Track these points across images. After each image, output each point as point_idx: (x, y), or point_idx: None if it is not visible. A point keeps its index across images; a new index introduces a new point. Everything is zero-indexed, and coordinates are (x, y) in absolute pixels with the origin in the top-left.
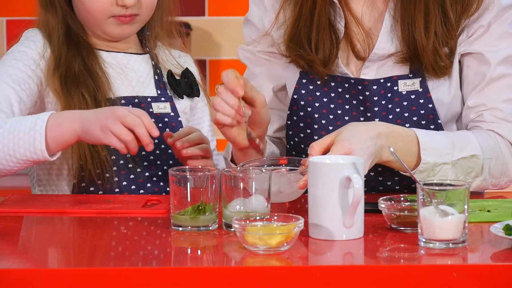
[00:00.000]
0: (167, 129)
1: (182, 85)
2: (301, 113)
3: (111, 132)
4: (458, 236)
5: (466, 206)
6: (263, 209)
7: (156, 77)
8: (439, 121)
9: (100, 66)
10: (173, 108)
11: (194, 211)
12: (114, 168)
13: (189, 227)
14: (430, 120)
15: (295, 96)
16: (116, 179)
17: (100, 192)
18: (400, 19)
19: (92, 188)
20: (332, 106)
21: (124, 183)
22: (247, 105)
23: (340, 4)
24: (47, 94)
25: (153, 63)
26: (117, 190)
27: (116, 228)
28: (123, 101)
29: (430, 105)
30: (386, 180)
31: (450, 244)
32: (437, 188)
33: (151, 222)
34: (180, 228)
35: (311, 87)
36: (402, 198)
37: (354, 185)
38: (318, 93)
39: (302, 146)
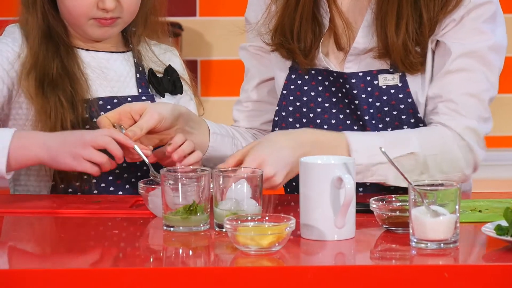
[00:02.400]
0: None
1: (164, 83)
2: (290, 108)
3: (83, 158)
4: (450, 236)
5: (457, 207)
6: (254, 210)
7: (138, 75)
8: (419, 115)
9: (79, 66)
10: None
11: (185, 211)
12: None
13: (181, 228)
14: (409, 114)
15: (284, 92)
16: (94, 180)
17: (78, 194)
18: (375, 15)
19: (70, 190)
20: (319, 99)
21: (103, 184)
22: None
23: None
24: (18, 96)
25: (135, 61)
26: (95, 192)
27: (107, 228)
28: (101, 102)
29: (410, 100)
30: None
31: (442, 244)
32: (428, 188)
33: (142, 222)
34: (172, 229)
35: (299, 82)
36: (393, 199)
37: (345, 185)
38: (306, 88)
39: None
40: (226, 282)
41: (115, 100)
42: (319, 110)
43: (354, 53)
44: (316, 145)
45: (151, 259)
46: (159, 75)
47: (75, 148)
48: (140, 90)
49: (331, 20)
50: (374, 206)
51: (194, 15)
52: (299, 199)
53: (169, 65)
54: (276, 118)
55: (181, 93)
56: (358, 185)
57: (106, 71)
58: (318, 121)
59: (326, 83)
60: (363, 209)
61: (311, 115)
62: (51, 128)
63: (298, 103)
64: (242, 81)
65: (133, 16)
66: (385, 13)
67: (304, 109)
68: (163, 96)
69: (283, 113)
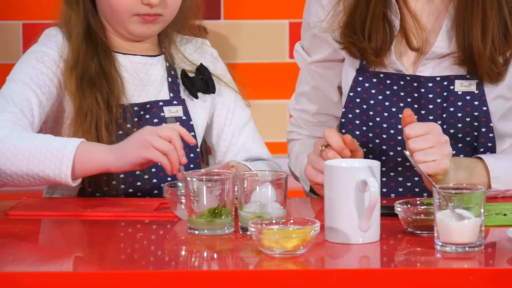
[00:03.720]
0: None
1: (197, 83)
2: (357, 111)
3: (152, 146)
4: (474, 239)
5: (482, 210)
6: (279, 213)
7: (170, 79)
8: (490, 124)
9: (116, 69)
10: (185, 111)
11: (210, 214)
12: (121, 175)
13: (205, 231)
14: (482, 122)
15: (351, 94)
16: (123, 186)
17: (110, 202)
18: (456, 23)
19: (98, 194)
20: (386, 104)
21: (130, 190)
22: None
23: (396, 1)
24: (65, 96)
25: (167, 65)
26: (123, 197)
27: (131, 231)
28: (136, 108)
29: (485, 108)
30: (406, 181)
31: (467, 248)
32: (453, 191)
33: (166, 225)
34: (196, 232)
35: (366, 84)
36: (418, 202)
37: (370, 189)
38: (373, 91)
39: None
40: (251, 285)
41: (148, 105)
42: (385, 114)
43: (431, 57)
44: (454, 161)
45: (176, 262)
46: (191, 75)
47: (142, 136)
48: (171, 95)
49: (402, 22)
50: (399, 209)
51: (218, 19)
52: (323, 202)
53: (201, 64)
54: (343, 120)
55: (213, 92)
56: (382, 185)
57: (142, 75)
58: (385, 125)
59: (395, 87)
60: (387, 212)
61: (378, 119)
62: (86, 128)
63: (364, 106)
64: (266, 83)
65: (173, 15)
66: (468, 20)
67: (371, 113)
68: (196, 97)
69: (350, 115)
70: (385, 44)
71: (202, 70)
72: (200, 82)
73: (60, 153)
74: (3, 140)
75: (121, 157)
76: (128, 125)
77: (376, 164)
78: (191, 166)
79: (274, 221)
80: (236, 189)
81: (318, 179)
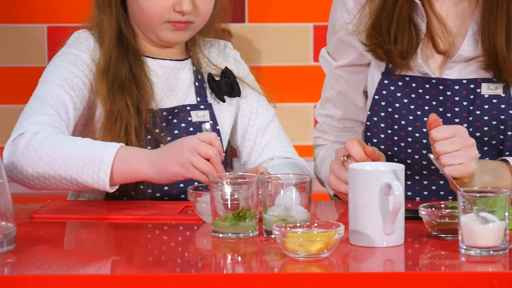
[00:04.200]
0: None
1: (223, 86)
2: (382, 114)
3: (193, 166)
4: (499, 243)
5: (507, 213)
6: (303, 216)
7: (197, 84)
8: None
9: (146, 73)
10: (212, 116)
11: (234, 217)
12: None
13: (230, 234)
14: (509, 126)
15: (376, 97)
16: (150, 190)
17: (134, 205)
18: (482, 27)
19: (124, 198)
20: (412, 107)
21: (158, 194)
22: None
23: (422, 5)
24: (96, 99)
25: (194, 69)
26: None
27: (155, 234)
28: (164, 113)
29: (511, 111)
30: (431, 185)
31: (491, 251)
32: (478, 195)
33: (191, 228)
34: (221, 235)
35: (392, 87)
36: (442, 205)
37: (394, 192)
38: (398, 94)
39: (382, 147)
40: None
41: (176, 110)
42: (411, 117)
43: (457, 60)
44: (480, 164)
45: (200, 265)
46: (217, 78)
47: (182, 155)
48: (198, 99)
49: (428, 25)
50: (423, 212)
51: (243, 22)
52: (348, 206)
53: (226, 67)
54: (368, 123)
55: (239, 95)
56: (407, 188)
57: (170, 80)
58: (410, 128)
59: (420, 91)
60: (412, 216)
61: (403, 122)
62: (115, 132)
63: (390, 109)
64: (290, 86)
65: (204, 22)
66: (493, 25)
67: (396, 116)
68: (223, 101)
69: (375, 118)
70: (411, 47)
71: (227, 73)
72: (226, 85)
73: (98, 160)
74: (42, 144)
75: (161, 172)
76: (157, 130)
77: (400, 168)
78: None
79: (298, 224)
80: (260, 192)
81: (341, 189)
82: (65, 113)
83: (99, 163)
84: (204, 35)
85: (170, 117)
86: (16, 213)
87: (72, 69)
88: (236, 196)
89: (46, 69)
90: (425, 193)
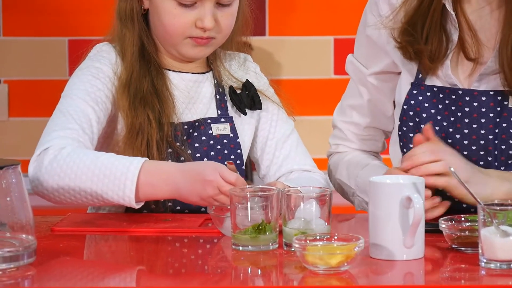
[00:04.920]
0: (225, 151)
1: (244, 99)
2: (410, 124)
3: (214, 199)
4: None
5: None
6: (323, 229)
7: (218, 96)
8: None
9: (167, 87)
10: (233, 129)
11: (254, 230)
12: None
13: (250, 247)
14: None
15: (405, 107)
16: (170, 203)
17: (154, 218)
18: (504, 40)
19: (145, 211)
20: (438, 117)
21: (178, 207)
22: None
23: (456, 15)
24: (116, 112)
25: (215, 82)
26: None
27: (175, 247)
28: (185, 126)
29: None
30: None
31: (511, 265)
32: (498, 208)
33: (211, 241)
34: (241, 248)
35: (420, 98)
36: (463, 219)
37: (414, 205)
38: (426, 104)
39: None
40: None
41: (197, 123)
42: (437, 128)
43: (486, 72)
44: (501, 174)
45: (221, 278)
46: (238, 91)
47: (205, 191)
48: (219, 112)
49: (460, 33)
50: (444, 226)
51: (263, 35)
52: (368, 218)
53: (246, 80)
54: (400, 133)
55: (260, 108)
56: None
57: (192, 93)
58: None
59: (447, 101)
60: (432, 229)
61: None
62: (137, 146)
63: (417, 119)
64: (311, 99)
65: (225, 38)
66: None
67: (423, 126)
68: (245, 114)
69: (404, 128)
70: (440, 52)
71: (248, 86)
72: (247, 98)
73: (123, 176)
74: (66, 160)
75: (183, 198)
76: (178, 143)
77: (420, 181)
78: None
79: (318, 237)
80: (280, 205)
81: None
82: (89, 127)
83: (123, 179)
84: (225, 48)
85: (191, 130)
86: (37, 226)
87: (95, 83)
88: (256, 209)
89: (69, 83)
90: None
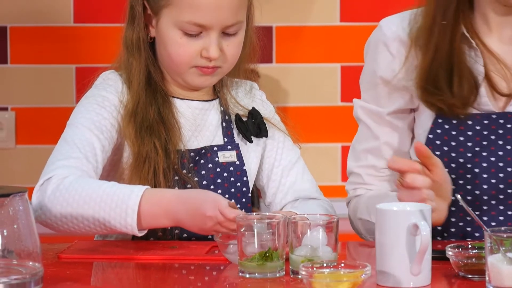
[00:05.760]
0: (232, 178)
1: (250, 126)
2: (437, 153)
3: (215, 231)
4: None
5: None
6: (330, 256)
7: (224, 124)
8: None
9: (174, 115)
10: (239, 156)
11: (261, 258)
12: None
13: (256, 274)
14: None
15: (430, 136)
16: (177, 231)
17: (160, 245)
18: None
19: (152, 238)
20: (469, 144)
21: (185, 235)
22: None
23: (477, 45)
24: (122, 141)
25: (222, 109)
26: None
27: (182, 274)
28: (192, 154)
29: None
30: (491, 220)
31: None
32: (505, 235)
33: (217, 268)
34: (248, 275)
35: (446, 126)
36: (469, 246)
37: (421, 232)
38: (454, 132)
39: None
40: None
41: (203, 151)
42: (469, 154)
43: None
44: None
45: None
46: (244, 119)
47: (205, 225)
48: (225, 139)
49: (485, 66)
50: (450, 253)
51: (270, 62)
52: (375, 246)
53: (253, 107)
54: None
55: (266, 136)
56: (467, 224)
57: (198, 121)
58: (469, 165)
59: (477, 127)
60: (439, 256)
61: (461, 160)
62: (143, 174)
63: (445, 148)
64: (318, 126)
65: (232, 67)
66: None
67: (453, 154)
68: (251, 141)
69: None
70: (471, 93)
71: (254, 114)
72: (253, 126)
73: (124, 205)
74: (68, 189)
75: (185, 228)
76: (184, 171)
77: (427, 208)
78: (243, 210)
79: (325, 265)
80: (287, 232)
81: (417, 183)
82: (93, 155)
83: (125, 207)
84: (232, 76)
85: (197, 158)
86: (43, 253)
87: (100, 111)
88: (263, 237)
89: (74, 111)
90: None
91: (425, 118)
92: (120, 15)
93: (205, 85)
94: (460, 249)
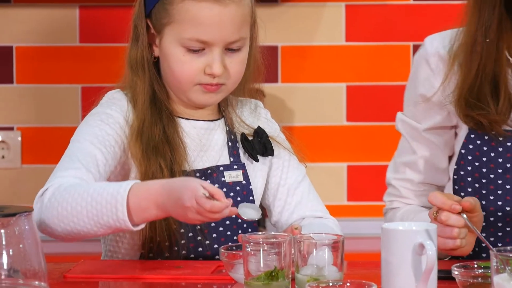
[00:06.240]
0: (238, 198)
1: (256, 145)
2: (469, 168)
3: (199, 221)
4: None
5: None
6: (335, 275)
7: (230, 144)
8: None
9: (179, 135)
10: (245, 176)
11: (267, 277)
12: (183, 241)
13: None
14: None
15: (462, 151)
16: (184, 252)
17: (166, 265)
18: None
19: (159, 259)
20: (500, 160)
21: (192, 255)
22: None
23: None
24: (128, 160)
25: (227, 129)
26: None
27: None
28: (197, 174)
29: None
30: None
31: None
32: (511, 255)
33: None
34: None
35: (478, 142)
36: (475, 265)
37: (427, 252)
38: (485, 148)
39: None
40: None
41: (209, 171)
42: (500, 171)
43: None
44: None
45: None
46: (250, 138)
47: (187, 215)
48: (231, 159)
49: None
50: (456, 272)
51: (276, 82)
52: (380, 265)
53: (258, 126)
54: (455, 177)
55: (272, 154)
56: (497, 240)
57: (204, 141)
58: (500, 181)
59: (508, 144)
60: (445, 276)
61: (491, 176)
62: None
63: (477, 163)
64: (323, 146)
65: (236, 84)
66: None
67: (484, 170)
68: (257, 160)
69: (461, 172)
70: (508, 111)
71: (260, 132)
72: (259, 145)
73: (113, 200)
74: (63, 193)
75: (171, 216)
76: None
77: (433, 227)
78: (249, 230)
79: (331, 284)
80: (293, 251)
81: (448, 246)
82: (95, 166)
83: (114, 202)
84: (237, 95)
85: (203, 178)
86: (49, 273)
87: (104, 127)
88: (268, 256)
89: (78, 128)
90: None
91: (461, 133)
92: (126, 35)
93: (210, 103)
94: (466, 269)
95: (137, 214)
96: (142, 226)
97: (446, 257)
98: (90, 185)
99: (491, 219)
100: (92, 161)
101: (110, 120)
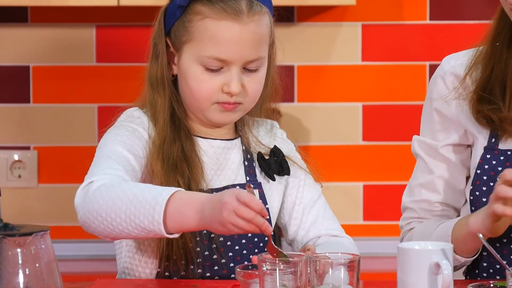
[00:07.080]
0: None
1: (272, 165)
2: (484, 188)
3: (232, 224)
4: None
5: None
6: None
7: (246, 163)
8: None
9: (196, 153)
10: (261, 195)
11: None
12: (199, 260)
13: None
14: None
15: (478, 171)
16: (200, 270)
17: (182, 284)
18: None
19: (175, 278)
20: None
21: (208, 274)
22: None
23: None
24: (148, 176)
25: (244, 148)
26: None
27: None
28: (214, 193)
29: None
30: (483, 261)
31: None
32: None
33: None
34: None
35: (493, 162)
36: (491, 285)
37: (443, 271)
38: (500, 168)
39: None
40: None
41: (226, 190)
42: None
43: None
44: None
45: None
46: (266, 157)
47: (222, 216)
48: (248, 178)
49: None
50: None
51: (292, 101)
52: (396, 285)
53: (274, 146)
54: (471, 198)
55: (288, 174)
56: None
57: (221, 160)
58: None
59: None
60: None
61: None
62: None
63: (491, 184)
64: (339, 165)
65: (253, 103)
66: None
67: None
68: (273, 180)
69: (477, 193)
70: None
71: (276, 152)
72: (275, 164)
73: (154, 201)
74: (108, 189)
75: (208, 227)
76: None
77: (449, 247)
78: (265, 249)
79: None
80: (308, 271)
81: (499, 210)
82: (132, 171)
83: (153, 203)
84: (254, 115)
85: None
86: None
87: (132, 138)
88: (284, 275)
89: (104, 137)
90: None
91: (476, 152)
92: (143, 55)
93: (227, 122)
94: None
95: (174, 219)
96: (176, 235)
97: (463, 266)
98: (136, 184)
99: (504, 240)
100: (127, 165)
101: (137, 133)
